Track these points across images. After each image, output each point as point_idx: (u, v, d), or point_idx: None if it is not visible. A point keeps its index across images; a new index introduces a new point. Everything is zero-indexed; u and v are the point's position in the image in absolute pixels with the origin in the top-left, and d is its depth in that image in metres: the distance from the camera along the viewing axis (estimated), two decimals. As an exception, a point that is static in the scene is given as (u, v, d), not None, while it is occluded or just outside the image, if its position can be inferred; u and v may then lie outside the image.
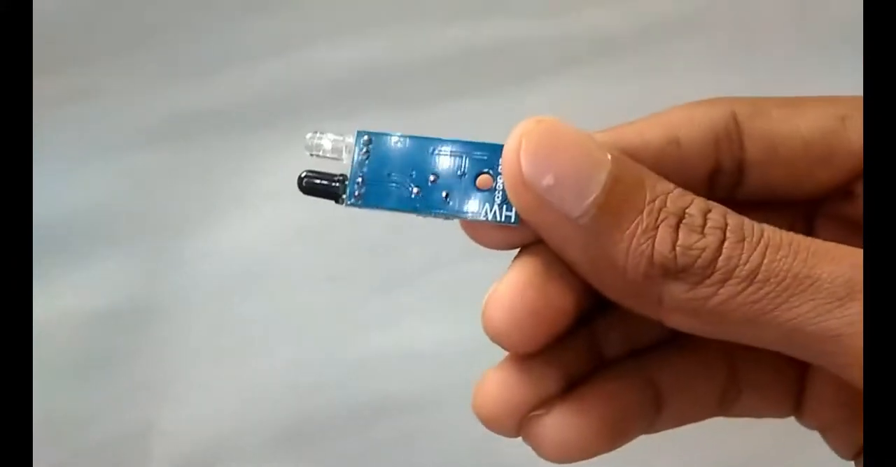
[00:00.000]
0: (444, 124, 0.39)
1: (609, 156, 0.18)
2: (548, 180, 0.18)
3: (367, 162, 0.20)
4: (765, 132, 0.21)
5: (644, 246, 0.18)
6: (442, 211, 0.19)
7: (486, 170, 0.20)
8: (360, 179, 0.20)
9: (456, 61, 0.39)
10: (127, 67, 0.39)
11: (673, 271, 0.18)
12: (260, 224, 0.39)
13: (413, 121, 0.39)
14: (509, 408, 0.21)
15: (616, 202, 0.18)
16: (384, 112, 0.39)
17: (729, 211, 0.18)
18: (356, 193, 0.20)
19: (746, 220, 0.18)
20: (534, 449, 0.21)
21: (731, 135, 0.21)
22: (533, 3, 0.40)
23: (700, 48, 0.39)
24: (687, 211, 0.18)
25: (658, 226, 0.18)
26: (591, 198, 0.18)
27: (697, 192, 0.21)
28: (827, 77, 0.37)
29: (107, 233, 0.38)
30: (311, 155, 0.20)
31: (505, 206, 0.19)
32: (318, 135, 0.20)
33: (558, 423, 0.20)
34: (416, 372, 0.37)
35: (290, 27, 0.39)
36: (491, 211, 0.19)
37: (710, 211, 0.18)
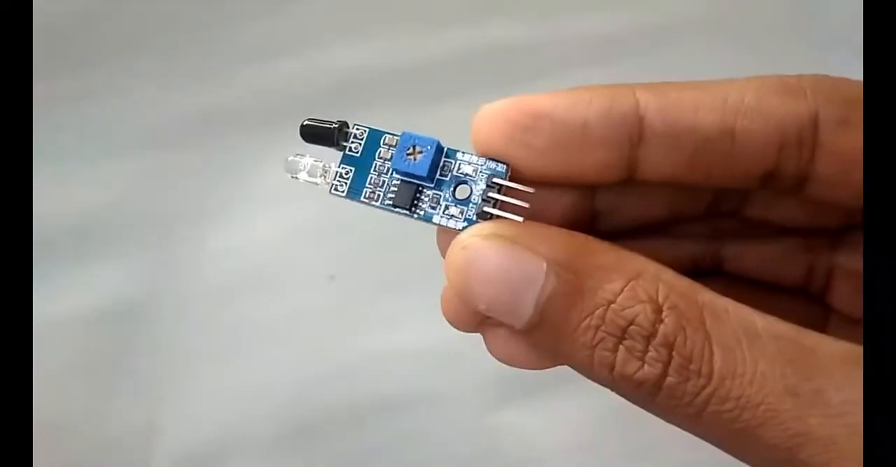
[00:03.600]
0: (444, 125, 0.39)
1: (544, 266, 0.17)
2: (481, 306, 0.18)
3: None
4: (847, 150, 0.18)
5: (585, 359, 0.17)
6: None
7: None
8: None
9: (456, 63, 0.39)
10: (127, 68, 0.39)
11: (615, 389, 0.17)
12: (260, 224, 0.39)
13: (414, 121, 0.39)
14: (465, 315, 0.20)
15: (552, 318, 0.17)
16: (385, 112, 0.39)
17: (683, 323, 0.16)
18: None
19: (697, 348, 0.16)
20: (486, 347, 0.21)
21: (802, 143, 0.18)
22: (532, 5, 0.40)
23: (699, 49, 0.39)
24: (629, 330, 0.16)
25: (595, 346, 0.17)
26: (526, 320, 0.17)
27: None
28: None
29: (107, 233, 0.38)
30: (292, 177, 0.20)
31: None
32: (298, 157, 0.20)
33: (502, 335, 0.20)
34: (415, 372, 0.37)
35: (290, 28, 0.39)
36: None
37: (653, 335, 0.16)
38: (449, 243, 0.19)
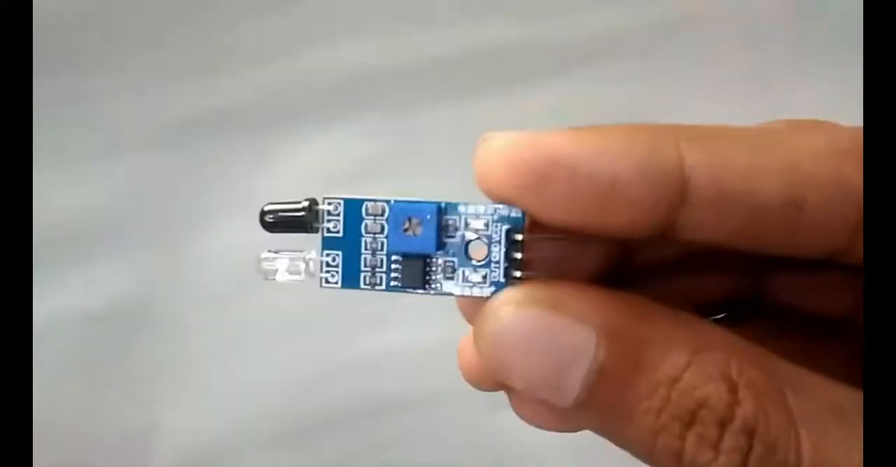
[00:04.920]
0: (444, 126, 0.39)
1: (593, 337, 0.14)
2: (517, 384, 0.15)
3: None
4: None
5: (644, 445, 0.14)
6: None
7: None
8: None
9: (456, 62, 0.39)
10: (128, 69, 0.39)
11: None
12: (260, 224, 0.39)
13: (413, 122, 0.39)
14: (488, 376, 0.18)
15: (604, 398, 0.14)
16: (385, 113, 0.39)
17: (764, 404, 0.14)
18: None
19: (782, 434, 0.14)
20: (513, 409, 0.18)
21: None
22: (532, 5, 0.40)
23: (699, 49, 0.39)
24: (699, 414, 0.14)
25: (658, 432, 0.14)
26: (571, 400, 0.15)
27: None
28: (826, 77, 0.37)
29: (107, 234, 0.38)
30: (268, 279, 0.18)
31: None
32: (272, 255, 0.18)
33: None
34: (415, 372, 0.37)
35: (290, 29, 0.39)
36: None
37: (729, 419, 0.14)
38: (473, 306, 0.17)
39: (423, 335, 0.37)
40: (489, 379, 0.17)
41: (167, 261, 0.38)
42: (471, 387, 0.36)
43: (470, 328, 0.18)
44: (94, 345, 0.37)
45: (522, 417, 0.18)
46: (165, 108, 0.39)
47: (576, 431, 0.17)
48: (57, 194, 0.38)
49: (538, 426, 0.17)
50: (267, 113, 0.39)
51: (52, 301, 0.37)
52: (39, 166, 0.33)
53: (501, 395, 0.39)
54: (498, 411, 0.36)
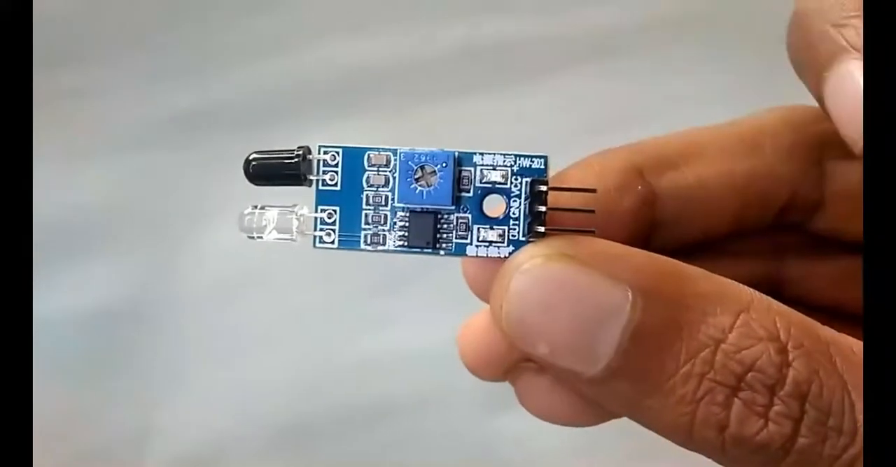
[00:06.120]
0: (444, 123, 0.39)
1: (629, 295, 0.13)
2: (542, 349, 0.14)
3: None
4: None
5: (681, 417, 0.13)
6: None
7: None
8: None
9: (457, 59, 0.39)
10: (127, 66, 0.39)
11: (723, 458, 0.13)
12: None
13: (414, 119, 0.39)
14: (494, 357, 0.17)
15: (639, 363, 0.13)
16: (385, 110, 0.39)
17: (815, 366, 0.13)
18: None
19: (836, 398, 0.13)
20: (518, 399, 0.18)
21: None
22: (533, 2, 0.40)
23: (700, 47, 0.39)
24: (747, 378, 0.13)
25: (699, 401, 0.13)
26: (603, 365, 0.13)
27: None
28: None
29: (107, 233, 0.38)
30: (253, 237, 0.16)
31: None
32: (258, 210, 0.16)
33: (543, 384, 0.17)
34: (415, 373, 0.37)
35: (290, 26, 0.39)
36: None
37: (780, 383, 0.13)
38: (480, 272, 0.16)
39: (421, 337, 0.37)
40: (496, 364, 0.16)
41: (164, 260, 0.38)
42: (469, 389, 0.36)
43: (472, 314, 0.18)
44: (93, 346, 0.37)
45: (534, 409, 0.17)
46: (163, 107, 0.39)
47: (588, 424, 0.16)
48: (51, 193, 0.38)
49: (549, 418, 0.17)
50: (265, 111, 0.39)
51: (47, 300, 0.37)
52: (39, 165, 0.32)
53: (499, 397, 0.39)
54: (496, 413, 0.36)
